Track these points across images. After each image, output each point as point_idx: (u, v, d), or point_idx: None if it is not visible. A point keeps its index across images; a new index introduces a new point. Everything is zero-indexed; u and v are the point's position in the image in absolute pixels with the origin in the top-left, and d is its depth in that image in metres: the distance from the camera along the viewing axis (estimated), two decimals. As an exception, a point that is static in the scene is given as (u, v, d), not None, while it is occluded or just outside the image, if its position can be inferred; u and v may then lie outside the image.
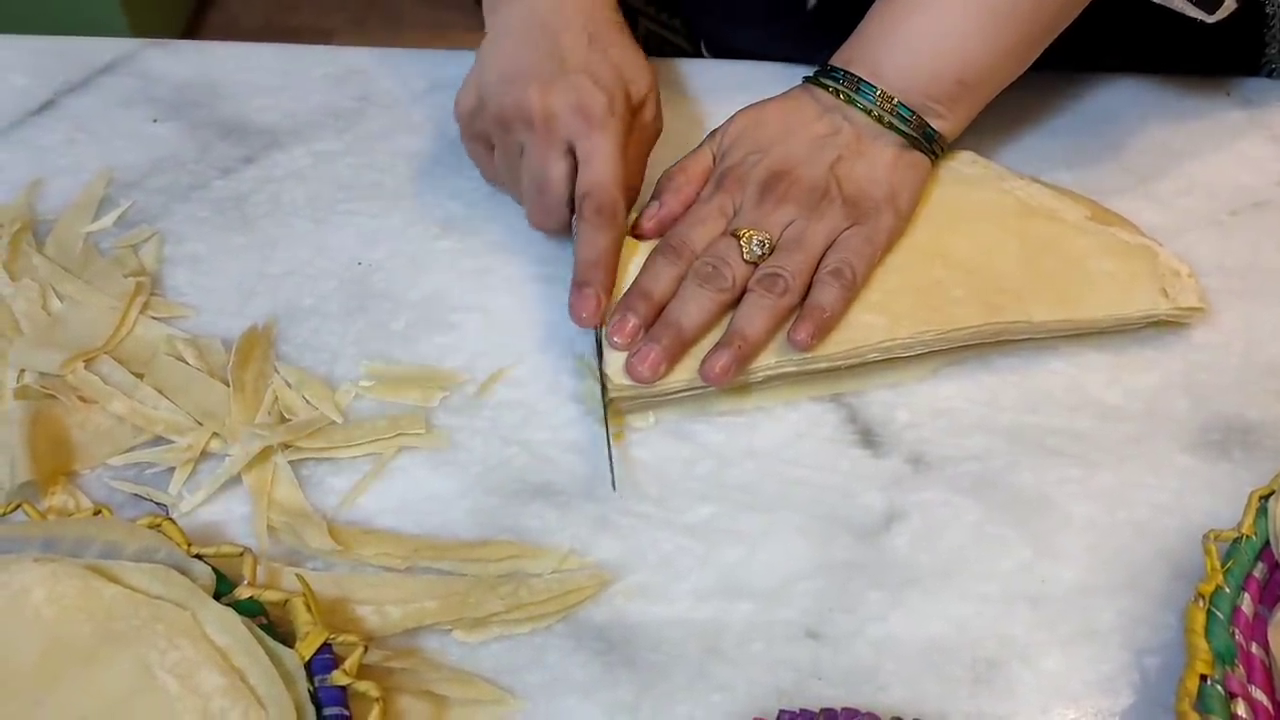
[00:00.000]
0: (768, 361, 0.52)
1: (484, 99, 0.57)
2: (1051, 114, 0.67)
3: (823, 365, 0.53)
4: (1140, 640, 0.46)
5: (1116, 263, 0.56)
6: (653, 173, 0.60)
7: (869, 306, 0.54)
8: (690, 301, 0.52)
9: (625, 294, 0.54)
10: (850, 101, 0.57)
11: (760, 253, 0.53)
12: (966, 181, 0.60)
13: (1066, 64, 0.71)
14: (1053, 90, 0.68)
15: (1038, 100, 0.68)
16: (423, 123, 0.67)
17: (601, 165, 0.54)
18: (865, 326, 0.53)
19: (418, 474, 0.51)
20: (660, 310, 0.53)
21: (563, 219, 0.56)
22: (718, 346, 0.51)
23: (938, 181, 0.59)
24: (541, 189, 0.56)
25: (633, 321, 0.52)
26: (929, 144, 0.58)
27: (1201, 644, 0.42)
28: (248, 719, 0.39)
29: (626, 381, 0.51)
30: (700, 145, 0.59)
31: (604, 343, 0.52)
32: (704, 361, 0.51)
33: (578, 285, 0.53)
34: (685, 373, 0.52)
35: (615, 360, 0.52)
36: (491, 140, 0.58)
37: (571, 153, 0.55)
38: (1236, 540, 0.45)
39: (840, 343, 0.53)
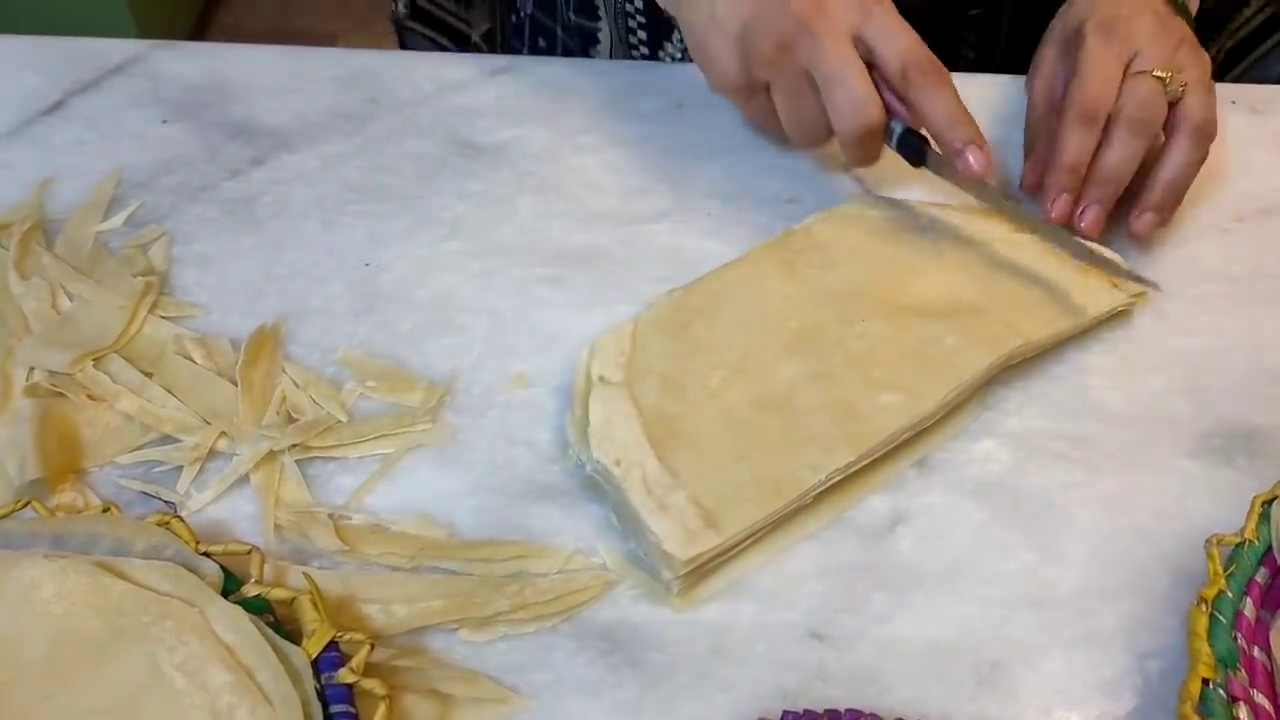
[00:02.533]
0: (832, 467, 0.49)
1: (750, 44, 0.56)
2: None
3: (864, 462, 0.50)
4: (1143, 644, 0.46)
5: (1060, 267, 0.57)
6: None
7: (878, 385, 0.52)
8: (1125, 153, 0.55)
9: (1053, 171, 0.56)
10: None
11: (1180, 94, 0.56)
12: (888, 225, 0.59)
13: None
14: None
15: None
16: (431, 125, 0.67)
17: (902, 33, 0.55)
18: (886, 410, 0.51)
19: (424, 474, 0.52)
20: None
21: (880, 113, 0.56)
22: (1091, 202, 0.56)
23: (861, 234, 0.58)
24: (846, 85, 0.55)
25: (1066, 198, 0.56)
26: None
27: (1204, 648, 0.42)
28: (255, 715, 0.39)
29: (692, 554, 0.46)
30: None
31: (648, 520, 0.47)
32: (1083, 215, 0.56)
33: (958, 147, 0.55)
34: (752, 518, 0.48)
35: (670, 535, 0.47)
36: (769, 86, 0.57)
37: (857, 45, 0.55)
38: (1239, 545, 0.45)
39: (870, 436, 0.50)
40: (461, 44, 0.85)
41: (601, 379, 0.52)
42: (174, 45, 0.72)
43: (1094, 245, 0.57)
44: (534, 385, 0.55)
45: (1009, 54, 0.73)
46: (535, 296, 0.59)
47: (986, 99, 0.65)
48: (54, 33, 0.73)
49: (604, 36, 0.77)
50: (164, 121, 0.67)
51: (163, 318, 0.57)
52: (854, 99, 0.55)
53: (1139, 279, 0.57)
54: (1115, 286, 0.56)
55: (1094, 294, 0.56)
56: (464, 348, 0.56)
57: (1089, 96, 0.56)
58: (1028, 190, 0.60)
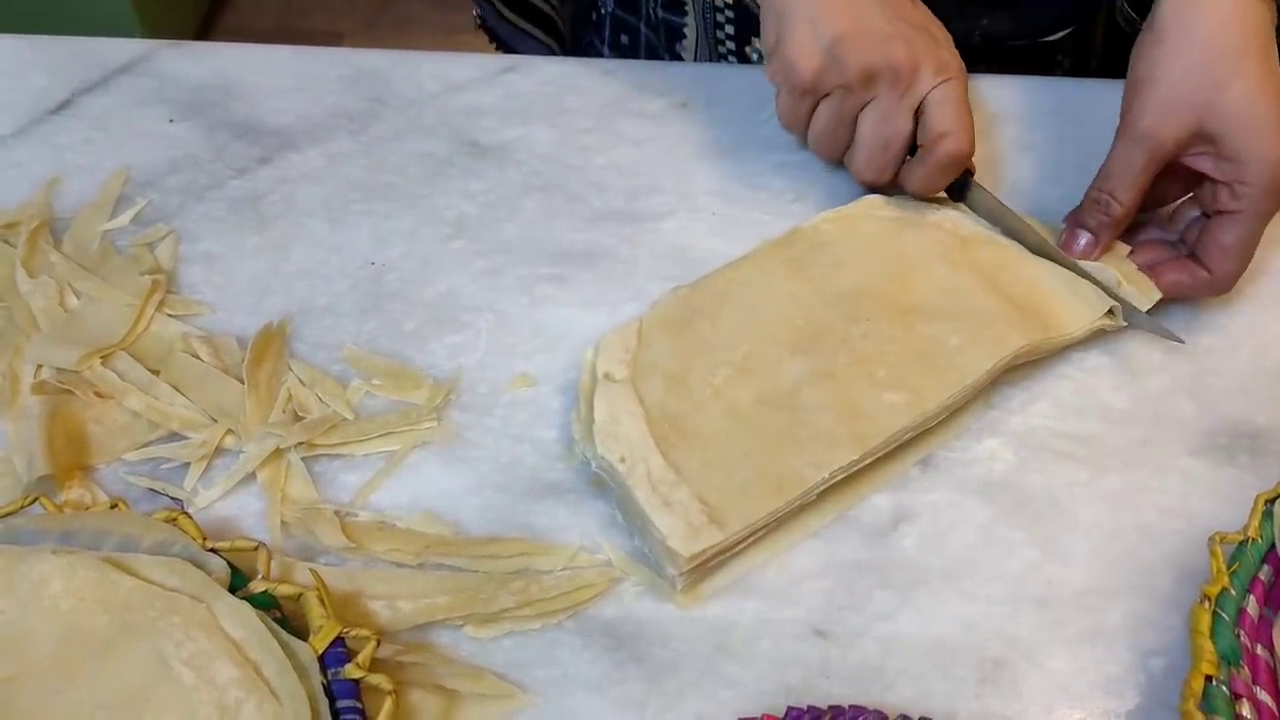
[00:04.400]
0: (835, 464, 0.49)
1: (837, 56, 0.57)
2: (1060, 120, 0.67)
3: (867, 460, 0.50)
4: (1146, 641, 0.47)
5: (1063, 275, 0.57)
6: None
7: (883, 384, 0.52)
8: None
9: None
10: None
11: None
12: (892, 225, 0.59)
13: (1076, 70, 0.72)
14: (1061, 96, 0.69)
15: (1048, 108, 0.68)
16: (436, 125, 0.67)
17: (957, 113, 0.57)
18: (890, 409, 0.51)
19: (430, 471, 0.52)
20: None
21: (893, 172, 0.60)
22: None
23: (867, 234, 0.59)
24: (888, 145, 0.58)
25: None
26: None
27: (1207, 645, 0.42)
28: (262, 711, 0.39)
29: (695, 550, 0.46)
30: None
31: (651, 514, 0.47)
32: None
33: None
34: (754, 515, 0.48)
35: (675, 531, 0.47)
36: (823, 97, 0.59)
37: (916, 111, 0.58)
38: (1242, 543, 0.45)
39: (874, 434, 0.50)
40: (553, 32, 0.85)
41: (607, 376, 0.52)
42: (181, 45, 0.72)
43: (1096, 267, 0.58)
44: (538, 384, 0.55)
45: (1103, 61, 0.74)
46: (540, 295, 0.59)
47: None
48: (60, 33, 0.74)
49: (690, 32, 0.77)
50: (171, 121, 0.68)
51: (170, 316, 0.57)
52: (883, 159, 0.59)
53: (1161, 330, 0.56)
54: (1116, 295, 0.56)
55: (1098, 297, 0.56)
56: (469, 346, 0.57)
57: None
58: None
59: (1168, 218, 0.59)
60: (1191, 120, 0.54)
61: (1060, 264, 0.58)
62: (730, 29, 0.76)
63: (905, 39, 0.57)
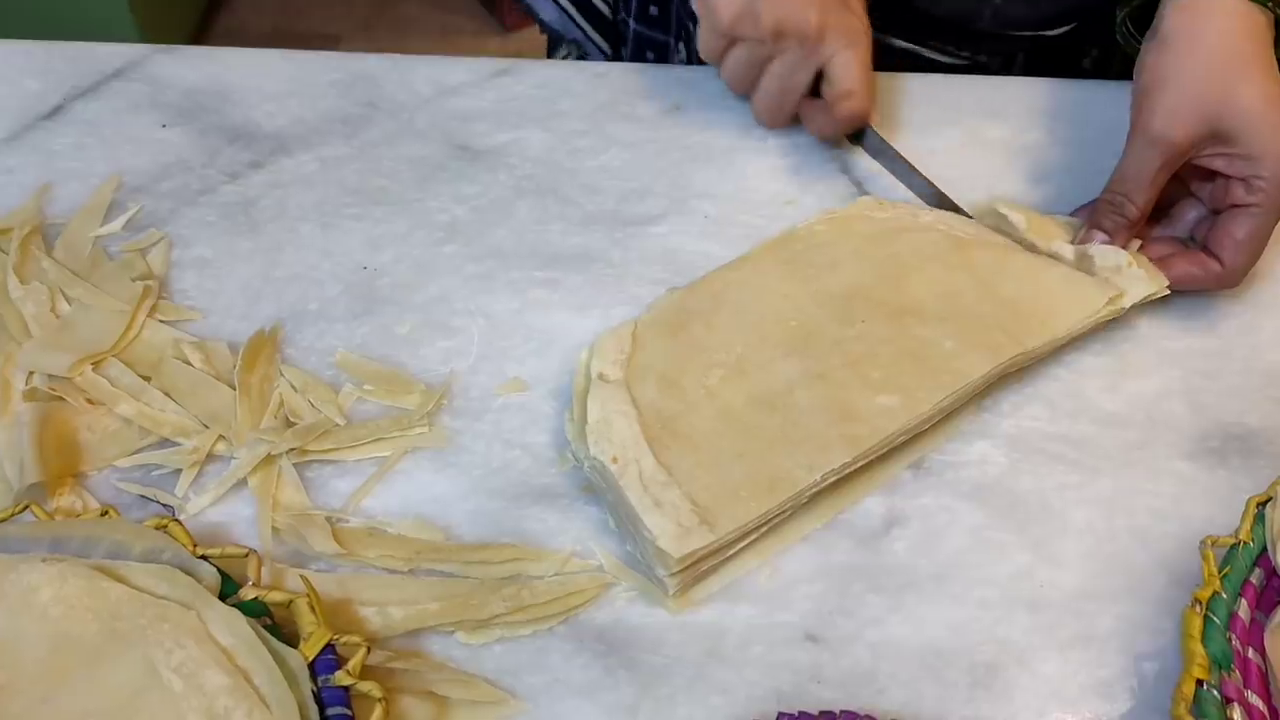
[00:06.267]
0: (827, 467, 0.49)
1: (753, 10, 0.61)
2: (1053, 123, 0.67)
3: (860, 463, 0.50)
4: (1138, 645, 0.47)
5: (1059, 270, 0.57)
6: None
7: (876, 386, 0.51)
8: None
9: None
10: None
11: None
12: (888, 227, 0.59)
13: (1066, 71, 0.72)
14: (1054, 99, 0.68)
15: (1041, 110, 0.68)
16: (429, 129, 0.67)
17: (860, 75, 0.62)
18: (883, 411, 0.51)
19: (421, 477, 0.52)
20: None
21: (787, 120, 0.66)
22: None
23: (862, 236, 0.59)
24: (785, 96, 0.64)
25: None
26: None
27: (1198, 649, 0.42)
28: (252, 718, 0.39)
29: (685, 550, 0.46)
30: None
31: (644, 516, 0.47)
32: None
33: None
34: (744, 517, 0.48)
35: (665, 532, 0.47)
36: (738, 41, 0.63)
37: (818, 68, 0.62)
38: (1234, 546, 0.45)
39: (866, 437, 0.50)
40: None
41: (601, 377, 0.52)
42: (173, 50, 0.72)
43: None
44: (531, 388, 0.55)
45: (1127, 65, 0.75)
46: (532, 299, 0.59)
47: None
48: (56, 35, 0.74)
49: None
50: (163, 126, 0.68)
51: (161, 321, 0.57)
52: (780, 107, 0.65)
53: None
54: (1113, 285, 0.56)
55: (1093, 299, 0.56)
56: (461, 351, 0.57)
57: None
58: None
59: (1168, 216, 0.60)
60: (1203, 121, 0.55)
61: (961, 214, 0.61)
62: None
63: (820, 5, 0.60)
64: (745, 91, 0.66)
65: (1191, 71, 0.56)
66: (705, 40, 0.64)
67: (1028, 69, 0.75)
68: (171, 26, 2.01)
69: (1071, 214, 0.61)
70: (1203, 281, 0.57)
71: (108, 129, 0.67)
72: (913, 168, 0.63)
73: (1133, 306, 0.56)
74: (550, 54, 0.89)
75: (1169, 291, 0.56)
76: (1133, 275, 0.56)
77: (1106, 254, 0.57)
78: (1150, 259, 0.58)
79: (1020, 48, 0.75)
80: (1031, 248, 0.59)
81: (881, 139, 0.64)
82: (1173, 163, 0.57)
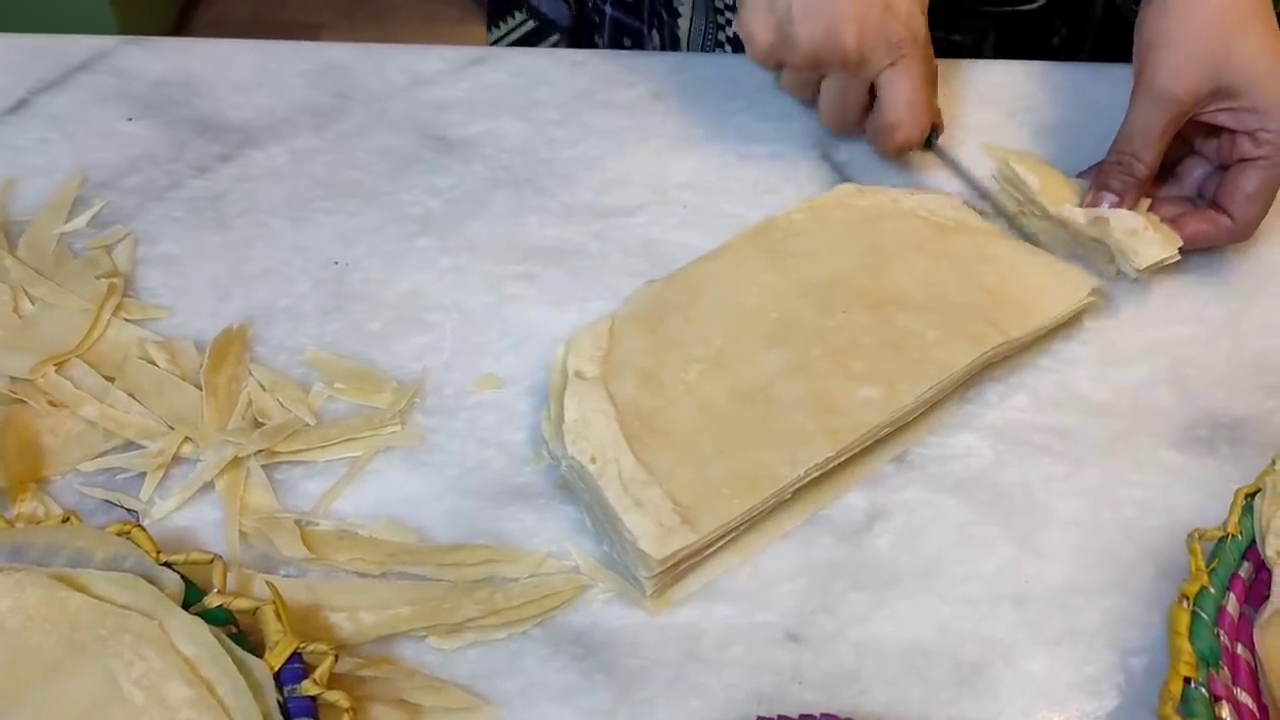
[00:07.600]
0: (810, 462, 0.48)
1: (788, 36, 0.58)
2: (1047, 104, 0.66)
3: (843, 457, 0.49)
4: (1126, 640, 0.46)
5: (1043, 260, 0.56)
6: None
7: (858, 378, 0.50)
8: None
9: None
10: None
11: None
12: (868, 214, 0.58)
13: (1063, 54, 0.71)
14: (1047, 81, 0.67)
15: (1035, 91, 0.67)
16: (401, 119, 0.66)
17: (909, 99, 0.59)
18: (866, 403, 0.50)
19: (394, 477, 0.51)
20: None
21: (857, 130, 0.63)
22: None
23: (842, 224, 0.58)
24: (842, 112, 0.62)
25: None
26: None
27: (1185, 646, 0.41)
28: (215, 730, 0.38)
29: (667, 552, 0.45)
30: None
31: (622, 516, 0.46)
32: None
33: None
34: (726, 516, 0.47)
35: (646, 533, 0.46)
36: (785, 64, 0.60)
37: (872, 84, 0.60)
38: (1222, 539, 0.44)
39: (849, 430, 0.49)
40: None
41: (578, 374, 0.51)
42: (140, 41, 0.71)
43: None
44: (506, 385, 0.54)
45: (1099, 42, 0.74)
46: (508, 293, 0.58)
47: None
48: (33, 28, 0.72)
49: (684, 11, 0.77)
50: (129, 119, 0.66)
51: (127, 320, 0.56)
52: (841, 125, 0.63)
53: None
54: (1112, 263, 0.57)
55: (1077, 286, 0.55)
56: (434, 347, 0.55)
57: None
58: None
59: (1174, 176, 0.60)
60: (1207, 77, 0.55)
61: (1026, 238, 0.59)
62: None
63: (858, 19, 0.56)
64: (807, 100, 0.64)
65: (1194, 27, 0.55)
66: (754, 60, 0.61)
67: (999, 49, 0.74)
68: (151, 18, 1.98)
69: (1079, 175, 0.61)
70: (1214, 238, 0.57)
71: (73, 123, 0.66)
72: (975, 183, 0.62)
73: (1138, 274, 0.56)
74: (491, 25, 0.87)
75: (1179, 256, 0.56)
76: (1148, 239, 0.56)
77: (1123, 218, 0.57)
78: (1163, 219, 0.57)
79: (992, 25, 0.73)
80: (1042, 212, 0.59)
81: (943, 150, 0.63)
82: (1178, 119, 0.56)
